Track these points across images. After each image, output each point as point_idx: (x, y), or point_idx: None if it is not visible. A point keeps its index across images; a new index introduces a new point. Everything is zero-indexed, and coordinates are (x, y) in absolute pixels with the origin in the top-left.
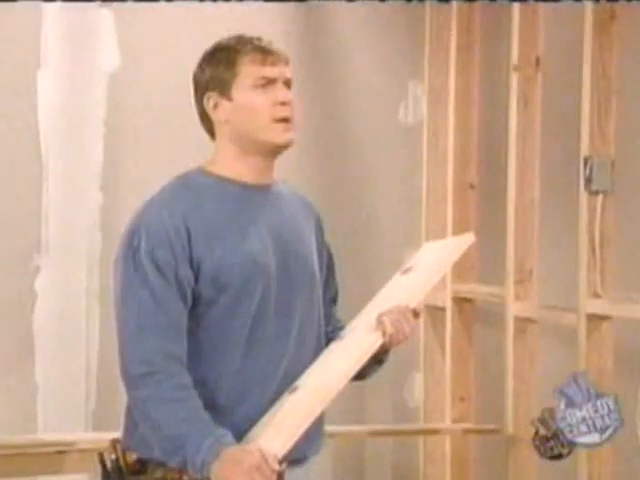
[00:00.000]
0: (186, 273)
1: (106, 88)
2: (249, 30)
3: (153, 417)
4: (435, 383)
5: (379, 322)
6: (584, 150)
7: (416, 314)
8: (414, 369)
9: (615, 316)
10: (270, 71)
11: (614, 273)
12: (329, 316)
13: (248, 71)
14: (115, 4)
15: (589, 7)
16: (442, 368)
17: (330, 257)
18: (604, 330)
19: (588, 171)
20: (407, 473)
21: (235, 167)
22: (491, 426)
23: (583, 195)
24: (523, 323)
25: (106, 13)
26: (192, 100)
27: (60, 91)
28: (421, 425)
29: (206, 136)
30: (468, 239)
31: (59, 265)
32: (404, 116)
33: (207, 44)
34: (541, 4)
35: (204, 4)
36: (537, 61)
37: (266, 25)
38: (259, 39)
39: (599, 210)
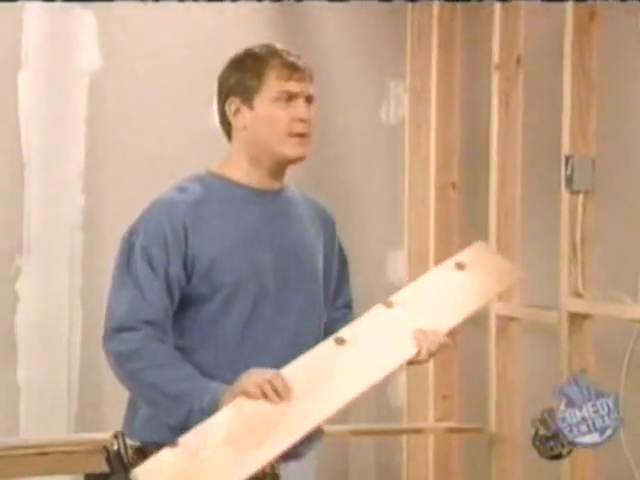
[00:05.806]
0: (177, 271)
1: (87, 88)
2: (229, 31)
3: (153, 383)
4: (418, 382)
5: (417, 343)
6: (565, 149)
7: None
8: None
9: (596, 315)
10: (294, 86)
11: (595, 272)
12: (336, 320)
13: (273, 84)
14: (96, 5)
15: (569, 6)
16: (425, 367)
17: (344, 263)
18: (586, 329)
19: (569, 170)
20: (390, 472)
21: (245, 172)
22: (474, 425)
23: (564, 194)
24: (505, 322)
25: (87, 14)
26: (179, 100)
27: (41, 92)
28: (404, 424)
29: (190, 136)
30: (515, 274)
31: (41, 266)
32: (386, 116)
33: (187, 44)
34: (522, 4)
35: (184, 6)
36: (518, 60)
37: (246, 26)
38: (288, 52)
39: (580, 209)
